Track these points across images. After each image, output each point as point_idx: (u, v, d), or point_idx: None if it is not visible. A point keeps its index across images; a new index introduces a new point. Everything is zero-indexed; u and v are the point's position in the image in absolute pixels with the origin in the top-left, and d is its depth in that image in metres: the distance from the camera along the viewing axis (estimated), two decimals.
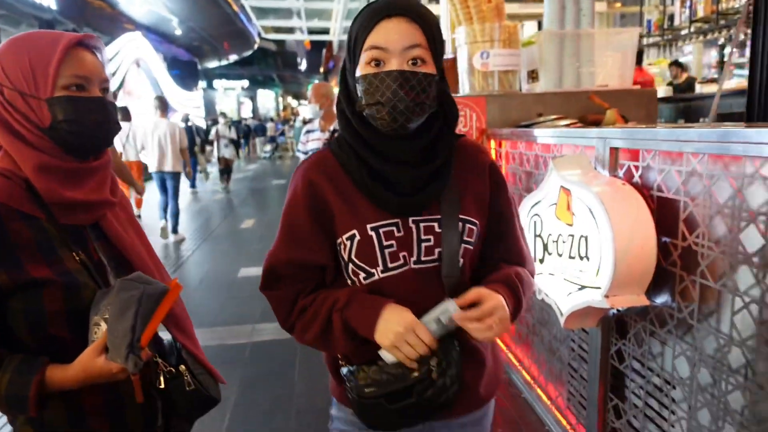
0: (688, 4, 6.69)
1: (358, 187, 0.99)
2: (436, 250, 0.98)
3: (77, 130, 0.96)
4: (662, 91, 8.40)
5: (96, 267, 1.00)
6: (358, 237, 0.98)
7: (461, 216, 0.99)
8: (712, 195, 1.07)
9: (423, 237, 0.99)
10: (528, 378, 2.07)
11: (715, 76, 9.76)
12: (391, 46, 0.90)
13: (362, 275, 0.99)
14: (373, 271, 0.98)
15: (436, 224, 0.99)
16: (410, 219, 0.99)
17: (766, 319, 0.97)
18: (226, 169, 11.16)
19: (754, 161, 0.95)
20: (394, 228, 0.99)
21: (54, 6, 10.08)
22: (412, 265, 0.98)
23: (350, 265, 1.00)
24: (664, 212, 1.22)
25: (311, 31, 18.93)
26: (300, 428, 2.59)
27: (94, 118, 0.98)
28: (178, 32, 17.13)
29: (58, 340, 0.95)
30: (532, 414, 1.91)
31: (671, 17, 7.58)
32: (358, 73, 0.94)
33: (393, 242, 0.98)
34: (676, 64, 8.98)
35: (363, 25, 0.93)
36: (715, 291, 1.09)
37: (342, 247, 1.00)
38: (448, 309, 0.92)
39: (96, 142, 1.01)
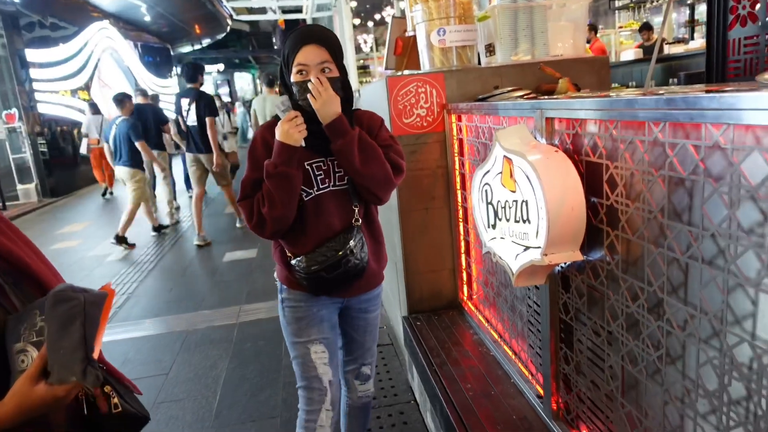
0: None
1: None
2: (346, 177, 1.69)
3: None
4: (632, 53, 8.50)
5: None
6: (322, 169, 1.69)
7: None
8: (626, 158, 1.19)
9: (337, 170, 1.69)
10: (496, 336, 2.21)
11: (687, 36, 9.85)
12: (310, 62, 1.60)
13: (304, 194, 1.66)
14: (311, 191, 1.67)
15: None
16: (328, 158, 1.68)
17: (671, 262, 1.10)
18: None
19: (655, 125, 1.07)
20: (321, 163, 1.68)
21: None
22: (332, 187, 1.69)
23: None
24: (592, 175, 1.34)
25: (284, 11, 18.66)
26: (287, 398, 2.73)
27: None
28: (148, 18, 16.80)
29: None
30: (499, 369, 2.06)
31: None
32: (292, 80, 1.63)
33: (321, 173, 1.68)
34: (646, 27, 9.06)
35: (291, 48, 1.62)
36: (634, 243, 1.22)
37: None
38: (284, 97, 1.65)
39: None
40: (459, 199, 2.56)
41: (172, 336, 3.63)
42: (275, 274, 1.86)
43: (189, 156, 5.92)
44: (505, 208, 1.59)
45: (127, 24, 16.29)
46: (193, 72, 5.85)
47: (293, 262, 1.68)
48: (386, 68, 3.36)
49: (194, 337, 3.60)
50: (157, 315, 4.03)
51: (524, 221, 1.46)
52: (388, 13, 11.84)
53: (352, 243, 1.67)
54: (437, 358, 2.22)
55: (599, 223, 1.34)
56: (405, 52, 3.29)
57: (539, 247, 1.38)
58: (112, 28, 14.76)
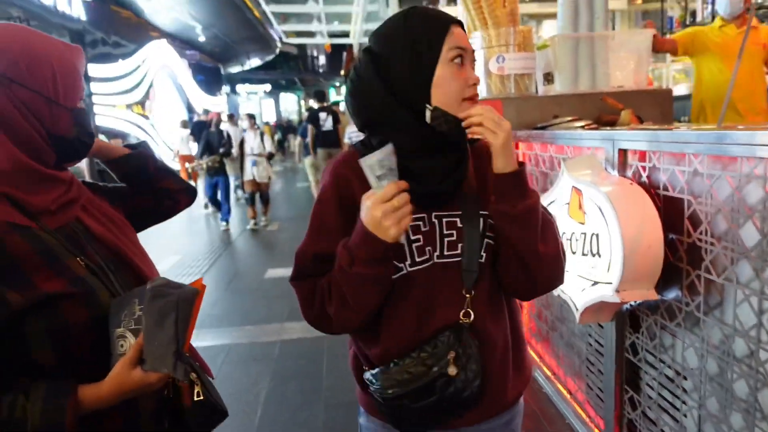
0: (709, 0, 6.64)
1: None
2: (459, 245, 1.00)
3: (85, 142, 0.99)
4: (685, 88, 8.30)
5: (100, 270, 0.96)
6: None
7: (482, 212, 1.01)
8: (713, 194, 1.14)
9: (446, 232, 1.01)
10: (548, 373, 2.13)
11: None
12: (468, 48, 0.98)
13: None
14: (402, 265, 1.00)
15: (458, 219, 1.01)
16: (433, 214, 1.02)
17: (765, 309, 1.03)
18: (259, 195, 7.71)
19: (749, 161, 1.01)
20: (420, 223, 1.01)
21: (84, 17, 10.41)
22: (436, 260, 1.01)
23: None
24: (671, 210, 1.29)
25: (331, 35, 19.16)
26: (328, 421, 2.70)
27: (90, 129, 1.02)
28: (202, 39, 17.47)
29: (80, 358, 0.91)
30: (552, 408, 1.97)
31: (693, 13, 7.50)
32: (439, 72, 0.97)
33: (420, 236, 1.00)
34: None
35: (434, 28, 0.98)
36: (718, 285, 1.15)
37: None
38: (386, 149, 0.90)
39: (86, 152, 1.04)
40: None
41: (215, 349, 3.65)
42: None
43: (321, 151, 7.77)
44: (571, 240, 1.53)
45: (182, 43, 16.96)
46: (321, 95, 8.45)
47: (366, 376, 1.05)
48: None
49: (237, 352, 3.61)
50: (202, 327, 4.08)
51: (593, 255, 1.41)
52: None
53: (453, 354, 1.00)
54: None
55: (678, 261, 1.28)
56: None
57: (611, 283, 1.33)
58: (168, 46, 15.39)
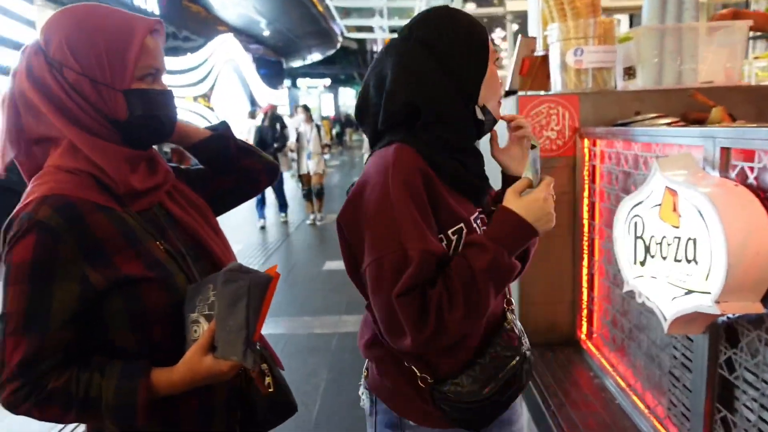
0: None
1: (450, 181, 1.01)
2: None
3: (151, 125, 0.93)
4: None
5: (179, 256, 0.95)
6: (465, 230, 1.00)
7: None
8: None
9: (483, 228, 1.06)
10: (623, 384, 2.01)
11: None
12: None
13: None
14: None
15: (485, 216, 1.10)
16: (482, 211, 1.10)
17: None
18: (313, 191, 7.54)
19: None
20: (480, 218, 1.07)
21: (157, 11, 10.83)
22: None
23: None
24: None
25: (392, 30, 19.11)
26: None
27: (165, 112, 0.95)
28: (266, 33, 17.84)
29: (156, 342, 0.90)
30: (626, 420, 1.86)
31: None
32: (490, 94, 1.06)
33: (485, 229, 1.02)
34: None
35: (482, 29, 1.06)
36: None
37: (444, 242, 0.98)
38: (535, 155, 1.14)
39: (161, 136, 0.99)
40: (586, 228, 2.39)
41: (272, 338, 3.70)
42: (370, 405, 1.15)
43: None
44: (661, 244, 1.43)
45: (247, 37, 17.39)
46: None
47: (446, 387, 1.01)
48: (509, 88, 3.26)
49: (294, 342, 3.65)
50: None
51: (689, 261, 1.30)
52: (497, 35, 11.69)
53: (525, 339, 1.10)
54: (555, 398, 2.05)
55: None
56: (531, 72, 3.17)
57: (709, 293, 1.22)
58: (234, 40, 15.80)
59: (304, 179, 7.69)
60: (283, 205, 7.85)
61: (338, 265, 5.43)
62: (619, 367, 2.09)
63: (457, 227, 0.99)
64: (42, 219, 0.81)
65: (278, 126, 7.64)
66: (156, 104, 0.93)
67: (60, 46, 0.87)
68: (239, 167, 1.17)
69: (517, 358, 1.04)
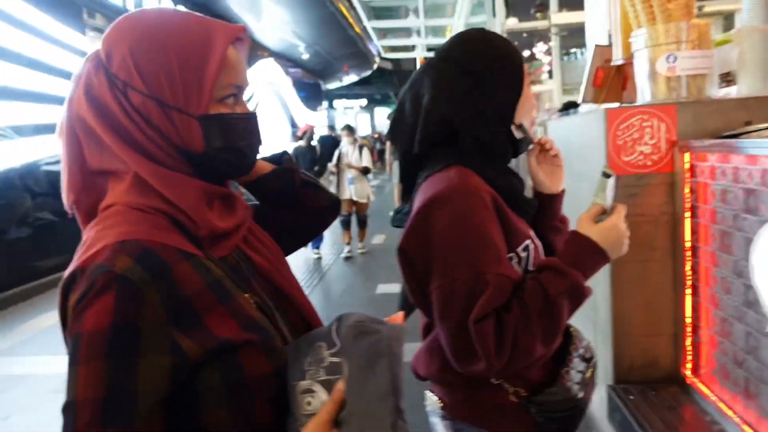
0: None
1: (510, 201, 1.05)
2: None
3: (231, 159, 0.76)
4: None
5: (269, 311, 0.77)
6: (531, 246, 1.07)
7: None
8: None
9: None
10: (729, 413, 1.76)
11: None
12: None
13: None
14: None
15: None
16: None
17: None
18: (356, 218, 6.90)
19: None
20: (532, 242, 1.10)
21: None
22: None
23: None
24: None
25: (429, 49, 19.13)
26: None
27: (248, 142, 0.78)
28: (305, 57, 18.09)
29: (257, 419, 0.71)
30: None
31: None
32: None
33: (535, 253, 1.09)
34: None
35: (518, 52, 1.11)
36: None
37: (515, 260, 1.04)
38: (610, 182, 1.07)
39: (243, 169, 0.81)
40: (688, 252, 2.15)
41: None
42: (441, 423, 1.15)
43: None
44: None
45: (286, 61, 17.67)
46: None
47: (540, 399, 1.05)
48: (582, 101, 3.05)
49: None
50: None
51: None
52: (539, 49, 11.44)
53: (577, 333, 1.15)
54: None
55: None
56: (605, 83, 2.97)
57: None
58: (275, 64, 16.06)
59: (343, 205, 6.58)
60: (319, 238, 6.74)
61: (392, 288, 5.24)
62: (745, 413, 1.83)
63: (525, 244, 1.04)
64: (122, 272, 0.62)
65: (318, 148, 7.44)
66: (238, 133, 0.76)
67: (123, 60, 0.70)
68: (303, 206, 0.99)
69: (594, 359, 1.13)
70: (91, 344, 0.60)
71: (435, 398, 1.15)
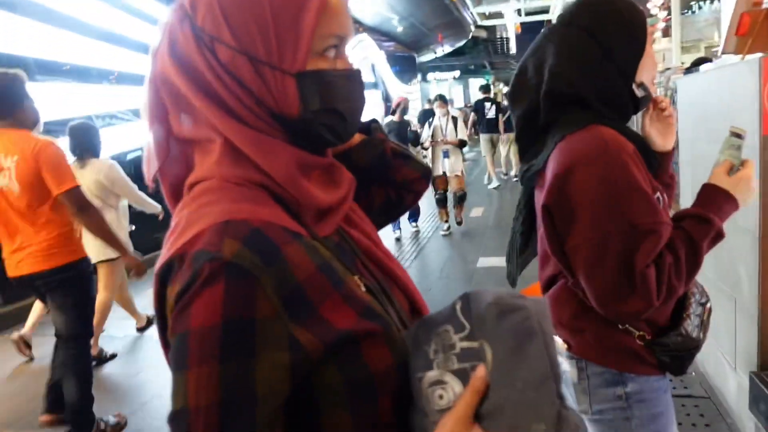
0: None
1: (644, 156, 1.11)
2: None
3: (331, 124, 0.66)
4: None
5: (380, 294, 0.68)
6: (661, 199, 1.12)
7: None
8: None
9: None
10: None
11: None
12: None
13: None
14: None
15: None
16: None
17: None
18: (453, 197, 6.41)
19: None
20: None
21: None
22: None
23: None
24: None
25: (528, 12, 18.22)
26: None
27: (350, 104, 0.68)
28: (399, 29, 17.93)
29: (380, 419, 0.61)
30: None
31: None
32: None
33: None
34: None
35: (640, 10, 1.14)
36: None
37: None
38: (740, 143, 1.15)
39: (344, 135, 0.70)
40: None
41: None
42: (578, 372, 1.23)
43: (484, 136, 9.55)
44: None
45: (380, 35, 17.61)
46: (487, 88, 10.11)
47: (668, 341, 1.16)
48: (723, 53, 2.71)
49: None
50: None
51: None
52: (653, 3, 10.46)
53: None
54: None
55: None
56: (752, 30, 2.61)
57: None
58: (370, 39, 16.08)
59: (438, 182, 6.37)
60: (415, 212, 6.66)
61: (494, 261, 5.10)
62: None
63: (656, 196, 1.08)
64: (232, 259, 0.53)
65: (412, 122, 6.90)
66: (340, 93, 0.66)
67: (210, 10, 0.61)
68: (393, 179, 0.90)
69: (709, 303, 1.22)
70: (201, 344, 0.52)
71: (560, 340, 1.23)
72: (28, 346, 3.71)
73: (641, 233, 1.01)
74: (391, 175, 0.89)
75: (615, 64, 1.10)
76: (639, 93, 1.14)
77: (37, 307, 3.69)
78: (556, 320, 1.22)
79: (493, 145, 9.66)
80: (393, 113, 6.61)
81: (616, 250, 1.01)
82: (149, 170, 0.67)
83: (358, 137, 0.85)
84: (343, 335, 0.57)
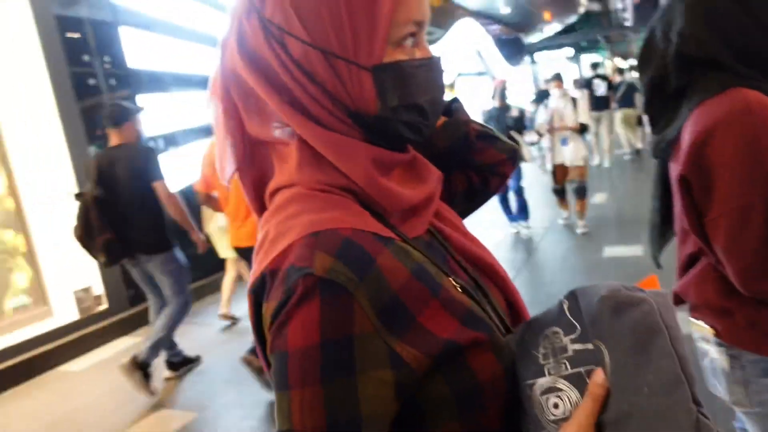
0: None
1: None
2: None
3: (411, 121, 0.60)
4: None
5: (477, 294, 0.63)
6: None
7: None
8: None
9: None
10: None
11: None
12: None
13: None
14: None
15: None
16: None
17: None
18: (573, 190, 5.59)
19: None
20: None
21: None
22: None
23: None
24: None
25: None
26: None
27: (432, 96, 0.61)
28: (505, 11, 17.37)
29: (490, 429, 0.58)
30: None
31: None
32: None
33: None
34: None
35: None
36: None
37: None
38: None
39: (425, 131, 0.63)
40: None
41: None
42: (731, 361, 1.12)
43: (593, 114, 8.26)
44: None
45: (485, 19, 17.15)
46: (596, 65, 10.05)
47: None
48: None
49: None
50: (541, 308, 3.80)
51: None
52: None
53: None
54: None
55: None
56: None
57: None
58: (475, 23, 15.73)
59: (557, 172, 5.62)
60: (521, 211, 5.91)
61: (623, 251, 4.72)
62: None
63: None
64: (324, 274, 0.51)
65: (515, 108, 6.01)
66: (420, 85, 0.59)
67: (279, 1, 0.57)
68: (478, 163, 0.82)
69: None
70: (302, 365, 0.50)
71: (706, 326, 1.14)
72: (230, 317, 4.56)
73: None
74: (474, 158, 0.82)
75: (753, 18, 1.03)
76: None
77: (226, 285, 4.54)
78: (701, 302, 1.15)
79: (602, 123, 9.36)
80: (493, 98, 6.00)
81: (760, 220, 0.95)
82: (222, 171, 0.64)
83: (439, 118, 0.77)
84: (449, 345, 0.54)
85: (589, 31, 30.57)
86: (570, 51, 30.65)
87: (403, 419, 0.55)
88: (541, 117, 5.66)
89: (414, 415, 0.55)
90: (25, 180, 4.36)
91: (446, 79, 0.66)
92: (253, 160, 0.64)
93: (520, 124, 5.80)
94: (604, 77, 9.53)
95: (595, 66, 10.16)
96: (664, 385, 0.48)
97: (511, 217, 5.97)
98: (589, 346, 0.52)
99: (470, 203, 0.85)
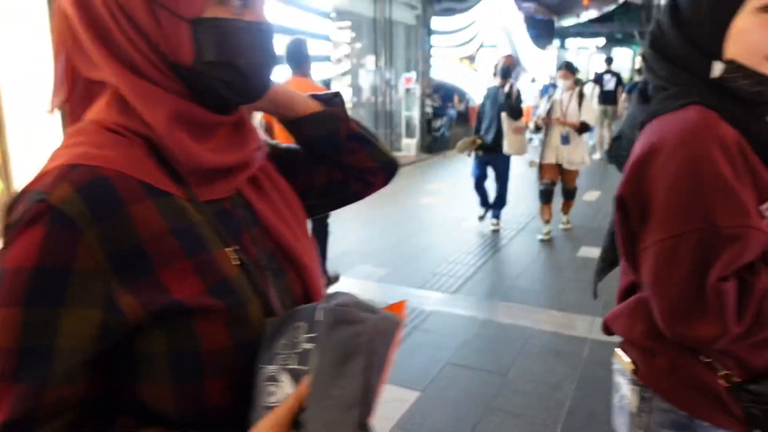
0: None
1: (762, 151, 0.90)
2: None
3: (225, 78, 0.60)
4: None
5: (256, 270, 0.63)
6: None
7: None
8: None
9: None
10: None
11: None
12: None
13: None
14: None
15: None
16: None
17: None
18: (563, 187, 5.21)
19: None
20: None
21: None
22: None
23: None
24: None
25: None
26: None
27: (248, 60, 0.61)
28: None
29: (208, 402, 0.59)
30: None
31: None
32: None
33: None
34: None
35: None
36: None
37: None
38: None
39: (245, 94, 0.64)
40: None
41: (514, 330, 3.40)
42: (640, 402, 1.04)
43: (600, 107, 8.97)
44: None
45: None
46: (610, 61, 10.31)
47: (756, 388, 0.93)
48: None
49: (538, 339, 3.28)
50: (500, 299, 3.87)
51: None
52: None
53: None
54: None
55: None
56: None
57: None
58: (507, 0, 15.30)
59: (545, 170, 5.07)
60: (500, 204, 5.47)
61: (597, 252, 4.71)
62: None
63: (764, 206, 0.89)
64: (57, 203, 0.52)
65: (517, 91, 5.24)
66: (238, 46, 0.60)
67: None
68: (345, 163, 0.82)
69: None
70: (11, 285, 0.51)
71: (627, 360, 1.07)
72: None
73: (723, 238, 0.82)
74: (343, 157, 0.82)
75: (686, 34, 0.94)
76: (714, 71, 0.91)
77: None
78: (628, 336, 1.07)
79: (608, 117, 9.78)
80: (494, 75, 5.41)
81: (689, 255, 0.84)
82: (53, 100, 0.64)
83: (313, 106, 0.78)
84: (173, 305, 0.55)
85: (627, 23, 29.69)
86: (602, 41, 29.88)
87: (120, 370, 0.57)
88: (542, 107, 5.23)
89: (129, 367, 0.57)
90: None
91: (277, 47, 0.66)
92: (83, 98, 0.63)
93: (514, 108, 5.08)
94: (614, 73, 10.14)
95: (609, 61, 10.64)
96: (343, 403, 0.52)
97: (485, 204, 5.58)
98: (311, 348, 0.56)
99: (324, 200, 0.85)
